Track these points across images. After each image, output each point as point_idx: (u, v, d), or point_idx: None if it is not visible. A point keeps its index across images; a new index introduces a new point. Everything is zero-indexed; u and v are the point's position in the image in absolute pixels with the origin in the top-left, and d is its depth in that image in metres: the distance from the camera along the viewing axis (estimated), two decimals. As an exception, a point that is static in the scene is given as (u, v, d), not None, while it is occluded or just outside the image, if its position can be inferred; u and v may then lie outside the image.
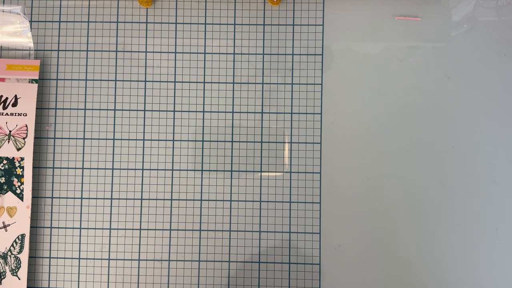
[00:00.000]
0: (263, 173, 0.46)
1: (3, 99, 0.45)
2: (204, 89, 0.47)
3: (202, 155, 0.47)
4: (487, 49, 0.46)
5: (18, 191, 0.44)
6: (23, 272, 0.44)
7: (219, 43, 0.47)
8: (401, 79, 0.46)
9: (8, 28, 0.47)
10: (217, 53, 0.47)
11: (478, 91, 0.46)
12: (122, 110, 0.47)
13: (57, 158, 0.47)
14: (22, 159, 0.45)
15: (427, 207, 0.45)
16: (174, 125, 0.47)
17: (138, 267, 0.46)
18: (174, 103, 0.47)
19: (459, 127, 0.46)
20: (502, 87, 0.46)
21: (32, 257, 0.46)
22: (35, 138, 0.45)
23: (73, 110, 0.47)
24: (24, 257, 0.44)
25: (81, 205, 0.46)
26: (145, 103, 0.47)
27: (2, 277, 0.44)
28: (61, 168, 0.47)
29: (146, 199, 0.46)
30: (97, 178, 0.46)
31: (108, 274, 0.46)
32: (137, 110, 0.47)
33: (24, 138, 0.45)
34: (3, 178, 0.45)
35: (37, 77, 0.45)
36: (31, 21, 0.47)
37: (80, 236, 0.46)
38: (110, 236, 0.46)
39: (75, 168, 0.46)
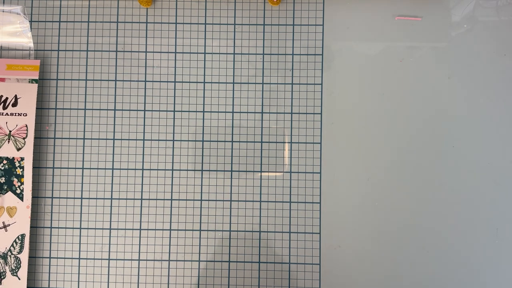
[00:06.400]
0: (263, 173, 0.46)
1: (3, 99, 0.45)
2: (204, 89, 0.47)
3: (202, 155, 0.47)
4: (487, 49, 0.46)
5: (18, 191, 0.44)
6: (23, 272, 0.44)
7: (219, 43, 0.47)
8: (401, 79, 0.46)
9: (8, 28, 0.47)
10: (217, 53, 0.47)
11: (478, 91, 0.46)
12: (122, 110, 0.47)
13: (57, 158, 0.47)
14: (22, 159, 0.45)
15: (427, 207, 0.45)
16: (174, 125, 0.47)
17: (138, 267, 0.46)
18: (174, 103, 0.47)
19: (459, 127, 0.46)
20: (502, 87, 0.46)
21: (32, 257, 0.46)
22: (35, 138, 0.45)
23: (73, 110, 0.47)
24: (24, 257, 0.44)
25: (81, 205, 0.46)
26: (145, 103, 0.47)
27: (2, 277, 0.44)
28: (61, 168, 0.47)
29: (146, 199, 0.46)
30: (97, 178, 0.46)
31: (108, 274, 0.46)
32: (137, 110, 0.47)
33: (24, 138, 0.45)
34: (3, 178, 0.45)
35: (37, 77, 0.45)
36: (31, 21, 0.47)
37: (80, 236, 0.46)
38: (110, 236, 0.46)
39: (75, 168, 0.46)
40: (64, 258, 0.46)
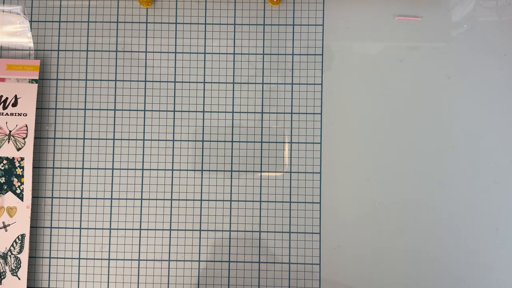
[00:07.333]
0: (263, 173, 0.46)
1: (3, 99, 0.45)
2: (204, 89, 0.47)
3: (202, 155, 0.47)
4: (487, 49, 0.46)
5: (18, 191, 0.44)
6: (23, 272, 0.44)
7: (219, 43, 0.47)
8: (401, 79, 0.46)
9: (8, 28, 0.47)
10: (217, 53, 0.47)
11: (478, 91, 0.46)
12: (122, 110, 0.47)
13: (57, 158, 0.47)
14: (22, 159, 0.45)
15: (427, 207, 0.45)
16: (174, 125, 0.47)
17: (138, 267, 0.46)
18: (174, 103, 0.47)
19: (459, 127, 0.46)
20: (502, 87, 0.46)
21: (32, 257, 0.46)
22: (35, 138, 0.45)
23: (73, 110, 0.47)
24: (24, 257, 0.44)
25: (81, 205, 0.46)
26: (145, 103, 0.47)
27: (2, 277, 0.44)
28: (61, 168, 0.47)
29: (146, 199, 0.46)
30: (97, 178, 0.46)
31: (108, 274, 0.46)
32: (137, 110, 0.47)
33: (24, 138, 0.45)
34: (3, 178, 0.45)
35: (37, 77, 0.45)
36: (31, 21, 0.47)
37: (80, 236, 0.46)
38: (110, 236, 0.46)
39: (75, 168, 0.47)
40: (64, 258, 0.46)
